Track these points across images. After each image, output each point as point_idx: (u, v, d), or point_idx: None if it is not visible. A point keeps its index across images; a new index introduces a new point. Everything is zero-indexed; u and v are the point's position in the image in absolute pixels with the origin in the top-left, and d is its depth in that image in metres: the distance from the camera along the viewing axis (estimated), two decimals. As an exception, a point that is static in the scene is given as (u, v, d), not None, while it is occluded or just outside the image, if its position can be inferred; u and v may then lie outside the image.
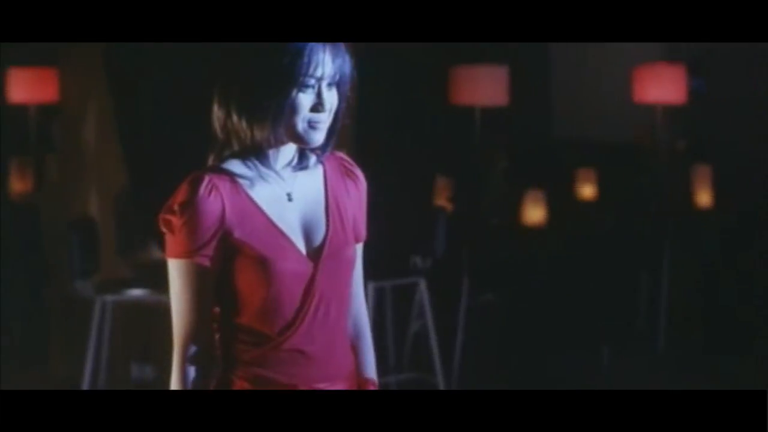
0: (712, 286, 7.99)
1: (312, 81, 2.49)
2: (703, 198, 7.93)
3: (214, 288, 2.52)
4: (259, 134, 2.51)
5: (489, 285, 7.57)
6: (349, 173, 2.70)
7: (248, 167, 2.55)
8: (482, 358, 7.13)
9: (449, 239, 6.47)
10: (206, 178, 2.50)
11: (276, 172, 2.57)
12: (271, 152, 2.56)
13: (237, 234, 2.51)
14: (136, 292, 6.18)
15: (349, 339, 2.68)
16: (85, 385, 5.97)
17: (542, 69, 9.17)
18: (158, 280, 6.23)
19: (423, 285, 6.38)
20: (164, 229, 2.52)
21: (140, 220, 6.49)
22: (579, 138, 8.81)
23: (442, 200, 7.35)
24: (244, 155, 2.55)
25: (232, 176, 2.53)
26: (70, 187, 6.82)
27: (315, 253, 2.58)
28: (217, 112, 2.55)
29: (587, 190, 8.17)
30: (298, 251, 2.57)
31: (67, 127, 6.95)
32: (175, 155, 6.61)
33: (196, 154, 6.69)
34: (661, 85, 7.78)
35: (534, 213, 7.61)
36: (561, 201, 7.86)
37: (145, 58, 6.41)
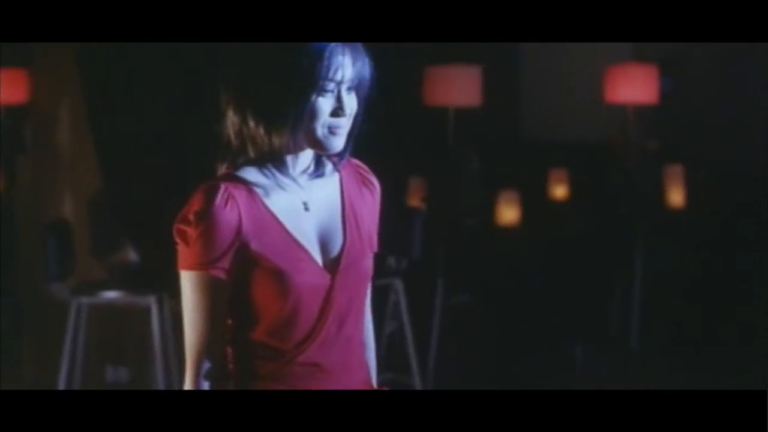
0: (685, 284, 8.03)
1: (332, 85, 2.41)
2: (675, 197, 7.97)
3: (228, 301, 2.43)
4: (277, 140, 2.42)
5: (464, 285, 7.58)
6: (365, 181, 2.62)
7: (264, 175, 2.45)
8: (458, 359, 7.15)
9: (424, 240, 6.48)
10: (222, 187, 2.40)
11: (294, 180, 2.48)
12: (288, 159, 2.46)
13: (254, 245, 2.42)
14: (111, 294, 6.17)
15: (363, 351, 2.62)
16: (61, 388, 5.95)
17: (514, 69, 9.20)
18: (133, 281, 6.26)
19: (398, 285, 6.40)
20: (178, 240, 2.43)
21: (115, 222, 6.48)
22: (551, 138, 8.85)
23: (416, 201, 7.36)
24: (259, 162, 2.45)
25: (248, 185, 2.44)
26: (44, 189, 6.80)
27: (332, 265, 2.50)
28: (231, 118, 2.46)
29: (560, 191, 8.21)
30: (315, 263, 2.48)
31: (39, 128, 6.93)
32: (150, 157, 6.60)
33: (171, 156, 6.70)
34: (633, 86, 7.81)
35: (508, 213, 7.64)
36: (534, 201, 7.89)
37: (121, 58, 6.39)
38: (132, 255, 6.36)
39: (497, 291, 7.73)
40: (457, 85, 7.31)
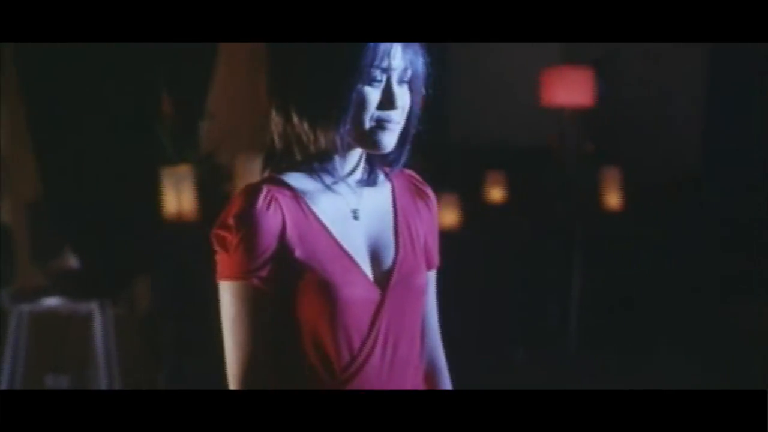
0: (622, 286, 8.10)
1: (378, 73, 2.21)
2: (612, 199, 8.03)
3: (272, 314, 2.22)
4: (323, 137, 2.23)
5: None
6: (419, 192, 2.42)
7: (310, 179, 2.26)
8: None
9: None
10: (264, 189, 2.20)
11: (345, 181, 2.28)
12: (336, 161, 2.26)
13: (298, 254, 2.21)
14: (53, 301, 6.09)
15: (422, 378, 2.39)
16: None
17: (447, 72, 9.21)
18: (75, 288, 6.18)
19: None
20: (217, 248, 2.22)
21: (55, 227, 6.40)
22: (488, 141, 8.87)
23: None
24: (305, 166, 2.27)
25: (292, 189, 2.24)
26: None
27: (383, 279, 2.28)
28: (274, 118, 2.26)
29: (497, 193, 8.23)
30: (365, 276, 2.26)
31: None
32: (92, 160, 6.52)
33: (111, 161, 6.62)
34: (569, 88, 7.87)
35: (445, 216, 7.64)
36: (471, 204, 7.90)
37: (59, 61, 6.31)
38: (73, 261, 6.28)
39: (436, 293, 7.71)
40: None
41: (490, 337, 7.62)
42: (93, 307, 6.04)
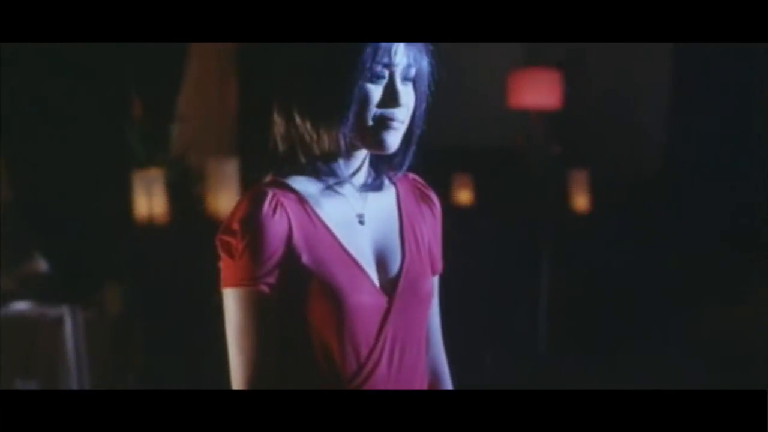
0: (591, 287, 8.12)
1: (380, 69, 2.17)
2: (580, 201, 8.06)
3: (278, 322, 2.17)
4: (326, 137, 2.17)
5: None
6: (424, 197, 2.38)
7: (315, 182, 2.22)
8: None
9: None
10: (270, 193, 2.15)
11: (350, 183, 2.24)
12: (341, 163, 2.21)
13: (305, 259, 2.16)
14: (21, 305, 6.03)
15: (427, 387, 2.36)
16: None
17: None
18: (44, 291, 6.13)
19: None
20: (222, 253, 2.17)
21: (25, 230, 6.34)
22: (454, 144, 8.87)
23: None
24: (309, 169, 2.22)
25: (296, 192, 2.19)
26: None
27: (389, 286, 2.24)
28: (276, 120, 2.23)
29: (464, 195, 8.24)
30: (371, 282, 2.22)
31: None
32: (62, 163, 6.48)
33: (81, 165, 6.58)
34: (536, 91, 7.89)
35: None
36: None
37: (28, 60, 6.26)
38: (42, 265, 6.23)
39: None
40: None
41: (458, 339, 7.61)
42: (63, 311, 5.99)
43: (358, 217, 2.25)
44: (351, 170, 2.25)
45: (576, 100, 8.29)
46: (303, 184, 2.21)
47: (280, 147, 2.24)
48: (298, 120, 2.20)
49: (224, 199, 6.42)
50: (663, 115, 8.76)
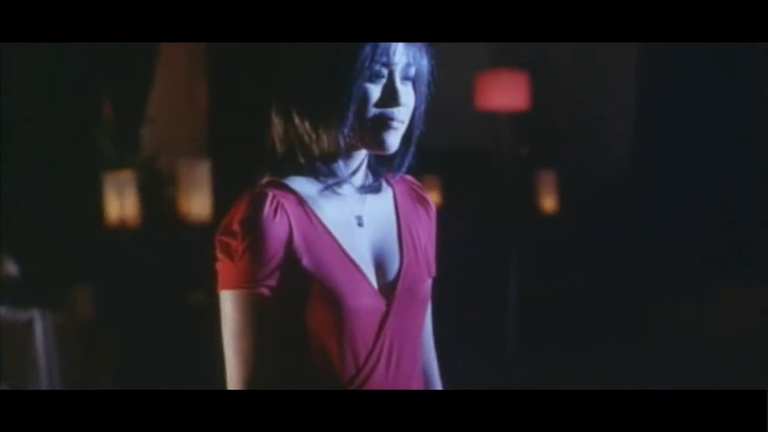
0: (558, 288, 8.15)
1: (379, 67, 2.14)
2: (547, 202, 8.09)
3: (277, 325, 2.13)
4: (326, 137, 2.15)
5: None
6: (420, 199, 2.35)
7: (314, 183, 2.19)
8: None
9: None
10: (270, 194, 2.12)
11: (350, 184, 2.21)
12: (340, 163, 2.18)
13: (305, 262, 2.12)
14: (-8, 309, 6.00)
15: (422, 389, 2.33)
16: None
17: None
18: (14, 295, 6.08)
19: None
20: (221, 255, 2.13)
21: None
22: (422, 145, 8.87)
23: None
24: (308, 169, 2.19)
25: (296, 193, 2.16)
26: None
27: (388, 289, 2.21)
28: (274, 120, 2.20)
29: (432, 197, 8.22)
30: (371, 285, 2.19)
31: None
32: (32, 165, 6.44)
33: (54, 164, 6.53)
34: (503, 92, 7.90)
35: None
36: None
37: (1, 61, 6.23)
38: (12, 268, 6.19)
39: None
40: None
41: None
42: (33, 314, 5.95)
43: (357, 218, 2.22)
44: (350, 171, 2.21)
45: (543, 100, 8.31)
46: (302, 184, 2.18)
47: (279, 147, 2.21)
48: (296, 120, 2.18)
49: (196, 201, 6.41)
50: (629, 115, 8.80)
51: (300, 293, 2.13)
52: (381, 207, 2.26)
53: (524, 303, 7.97)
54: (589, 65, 8.87)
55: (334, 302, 2.13)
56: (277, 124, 2.20)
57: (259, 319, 2.11)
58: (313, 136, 2.17)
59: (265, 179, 2.20)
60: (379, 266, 2.22)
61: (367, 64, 2.14)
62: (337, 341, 2.14)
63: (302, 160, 2.19)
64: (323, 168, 2.19)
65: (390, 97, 2.16)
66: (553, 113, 8.71)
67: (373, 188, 2.25)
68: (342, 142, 2.16)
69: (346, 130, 2.16)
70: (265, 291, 2.11)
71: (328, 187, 2.19)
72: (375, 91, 2.16)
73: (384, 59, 2.16)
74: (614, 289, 8.07)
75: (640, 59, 8.68)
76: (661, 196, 8.40)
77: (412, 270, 2.24)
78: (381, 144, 2.18)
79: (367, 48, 2.14)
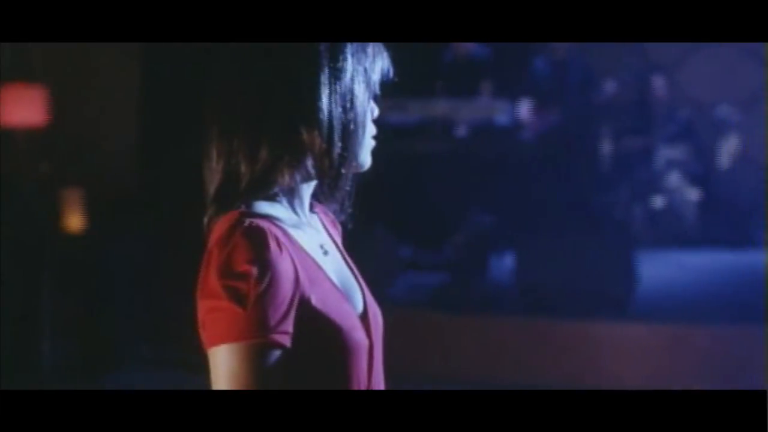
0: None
1: (367, 76, 2.01)
2: (74, 220, 7.86)
3: (286, 376, 1.88)
4: (295, 162, 1.95)
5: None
6: (334, 222, 2.16)
7: (287, 210, 1.97)
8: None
9: None
10: (265, 227, 1.88)
11: (307, 216, 2.02)
12: (303, 189, 1.99)
13: (314, 301, 1.90)
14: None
15: None
16: None
17: None
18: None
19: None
20: (228, 303, 1.83)
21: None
22: None
23: None
24: (282, 195, 1.97)
25: (281, 223, 1.93)
26: None
27: (364, 318, 2.02)
28: (242, 147, 1.96)
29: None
30: (357, 317, 2.00)
31: None
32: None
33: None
34: (21, 108, 7.60)
35: None
36: None
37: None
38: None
39: None
40: None
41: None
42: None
43: (321, 247, 2.04)
44: (306, 199, 2.04)
45: (60, 116, 8.04)
46: (280, 212, 1.98)
47: (247, 176, 1.97)
48: (266, 143, 1.96)
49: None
50: (131, 129, 8.74)
51: (304, 336, 1.90)
52: (323, 233, 2.10)
53: (59, 326, 7.69)
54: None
55: (339, 340, 1.95)
56: (243, 151, 1.96)
57: (273, 372, 1.86)
58: (285, 159, 1.97)
59: (242, 207, 1.95)
60: (350, 295, 2.04)
61: (366, 75, 2.01)
62: (341, 380, 1.96)
63: (275, 188, 1.98)
64: (290, 198, 2.00)
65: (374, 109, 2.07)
66: (73, 129, 8.47)
67: (311, 213, 2.08)
68: (309, 167, 1.99)
69: (354, 150, 2.01)
70: (284, 339, 1.87)
71: (296, 214, 2.01)
72: (372, 107, 2.05)
73: (376, 67, 2.04)
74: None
75: (141, 61, 8.62)
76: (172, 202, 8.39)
77: (370, 297, 2.09)
78: (365, 162, 2.06)
79: (366, 57, 2.02)
